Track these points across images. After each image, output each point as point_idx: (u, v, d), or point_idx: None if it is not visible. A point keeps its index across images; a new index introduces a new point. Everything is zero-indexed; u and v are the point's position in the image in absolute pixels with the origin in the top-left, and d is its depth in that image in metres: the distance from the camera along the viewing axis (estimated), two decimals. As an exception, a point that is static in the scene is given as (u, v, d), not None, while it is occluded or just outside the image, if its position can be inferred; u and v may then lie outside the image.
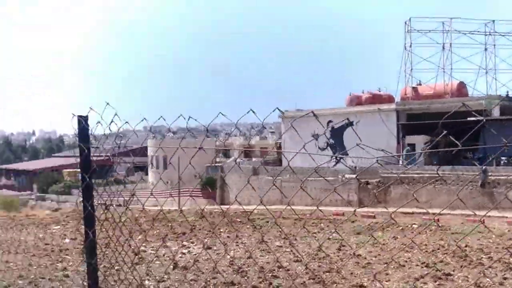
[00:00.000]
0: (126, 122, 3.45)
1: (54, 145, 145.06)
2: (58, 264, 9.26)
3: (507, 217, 15.29)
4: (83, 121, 3.40)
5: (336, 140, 32.95)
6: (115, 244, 3.90)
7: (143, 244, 9.96)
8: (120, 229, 3.87)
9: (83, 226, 3.64)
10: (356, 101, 35.17)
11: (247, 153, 53.72)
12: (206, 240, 11.60)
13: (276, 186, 20.02)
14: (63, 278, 8.24)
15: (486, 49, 35.79)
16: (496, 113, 28.35)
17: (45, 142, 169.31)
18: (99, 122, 3.48)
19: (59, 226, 14.32)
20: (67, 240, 11.90)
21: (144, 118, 3.39)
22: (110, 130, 3.48)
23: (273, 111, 2.84)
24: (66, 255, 10.16)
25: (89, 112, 3.46)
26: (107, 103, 3.33)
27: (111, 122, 3.41)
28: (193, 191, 32.81)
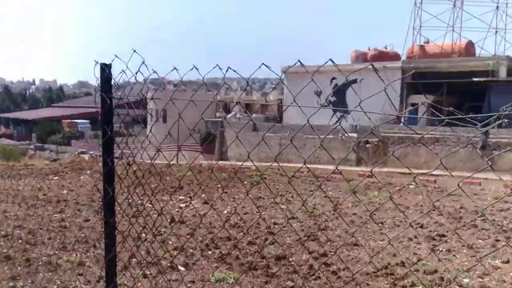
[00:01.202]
0: (154, 71, 3.26)
1: (54, 95, 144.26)
2: (56, 215, 9.34)
3: (504, 180, 15.34)
4: (107, 70, 3.21)
5: (338, 98, 32.78)
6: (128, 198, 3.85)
7: (141, 198, 10.01)
8: (122, 183, 3.83)
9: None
10: (361, 58, 34.74)
11: (248, 108, 53.45)
12: (203, 195, 11.67)
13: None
14: (62, 229, 8.32)
15: (497, 8, 35.02)
16: (502, 74, 28.03)
17: (45, 92, 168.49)
18: (123, 71, 3.31)
19: (57, 177, 14.39)
20: (65, 191, 11.97)
21: (175, 68, 3.18)
22: (136, 80, 3.30)
23: (293, 64, 2.74)
24: (65, 206, 10.23)
25: (113, 60, 3.29)
26: (134, 50, 3.16)
27: (137, 71, 3.24)
28: (192, 145, 32.83)
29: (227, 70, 2.85)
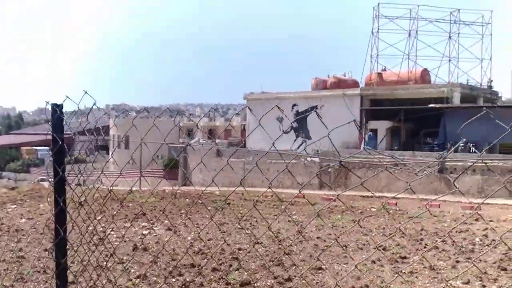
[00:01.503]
0: (106, 113, 3.34)
1: (13, 122, 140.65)
2: (13, 245, 9.03)
3: (462, 202, 15.77)
4: (58, 110, 3.19)
5: (300, 124, 33.18)
6: (82, 224, 3.79)
7: (103, 225, 9.81)
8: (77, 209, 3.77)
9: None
10: (321, 85, 35.35)
11: (211, 134, 53.41)
12: (167, 221, 11.52)
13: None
14: (19, 260, 8.05)
15: (450, 37, 36.49)
16: (456, 100, 29.04)
17: (3, 119, 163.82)
18: (75, 111, 3.32)
19: (15, 205, 13.95)
20: (23, 220, 11.62)
21: (126, 110, 3.28)
22: (88, 121, 3.32)
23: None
24: (23, 235, 9.91)
25: (65, 101, 3.28)
26: (85, 92, 3.18)
27: (89, 112, 3.26)
28: (155, 171, 32.48)
29: (177, 114, 2.91)
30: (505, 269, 7.61)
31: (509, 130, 2.11)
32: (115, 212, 11.67)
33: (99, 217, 3.69)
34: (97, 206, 3.98)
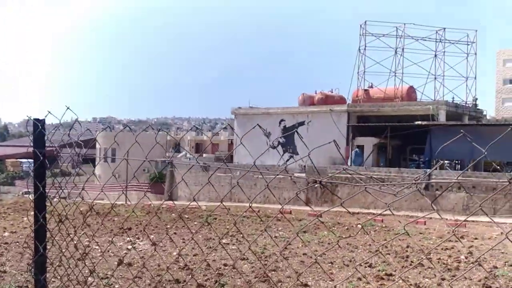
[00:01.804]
0: (88, 129, 3.31)
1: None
2: (-5, 259, 8.89)
3: (447, 219, 15.86)
4: (39, 125, 3.15)
5: (287, 139, 33.28)
6: (63, 239, 3.75)
7: (87, 239, 9.71)
8: (59, 223, 3.73)
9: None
10: (308, 101, 35.56)
11: (198, 148, 53.36)
12: (152, 236, 11.43)
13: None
14: (1, 274, 7.92)
15: (436, 56, 37.04)
16: (442, 118, 29.37)
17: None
18: (57, 128, 3.29)
19: (-2, 219, 13.76)
20: (6, 234, 11.45)
21: (109, 126, 3.27)
22: (70, 137, 3.30)
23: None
24: (5, 249, 9.76)
25: (47, 116, 3.25)
26: (68, 107, 3.17)
27: (71, 128, 3.24)
28: (141, 185, 32.28)
29: (159, 130, 2.92)
30: (489, 287, 7.65)
31: (485, 153, 2.14)
32: (98, 227, 11.56)
33: (82, 232, 3.65)
34: (80, 220, 3.94)
